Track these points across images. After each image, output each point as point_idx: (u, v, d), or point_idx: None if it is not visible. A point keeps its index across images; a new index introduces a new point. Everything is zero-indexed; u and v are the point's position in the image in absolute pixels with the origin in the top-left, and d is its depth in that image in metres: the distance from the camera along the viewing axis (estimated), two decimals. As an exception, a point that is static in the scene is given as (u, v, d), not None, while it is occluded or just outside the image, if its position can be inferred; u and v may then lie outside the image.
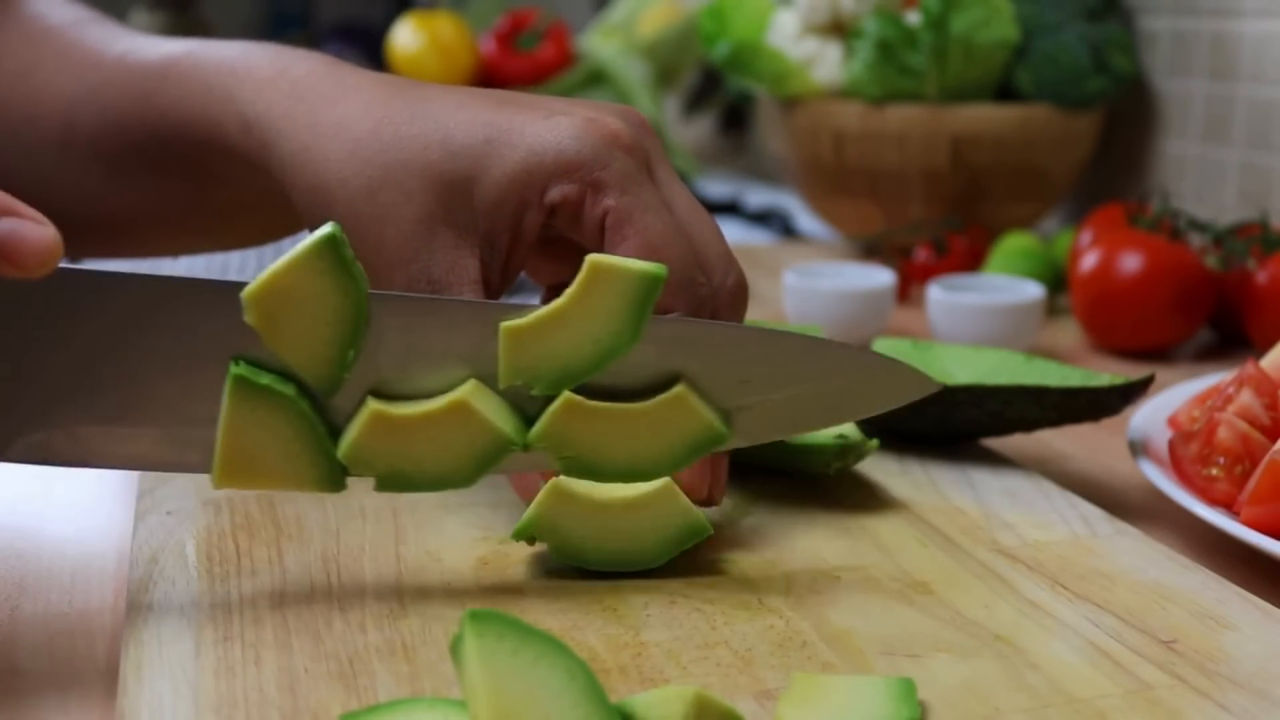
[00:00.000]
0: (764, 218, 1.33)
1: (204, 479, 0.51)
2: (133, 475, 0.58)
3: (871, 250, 1.09)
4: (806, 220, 1.33)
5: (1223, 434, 0.55)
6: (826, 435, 0.54)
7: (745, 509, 0.54)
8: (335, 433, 0.44)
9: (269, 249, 1.07)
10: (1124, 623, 0.44)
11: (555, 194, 0.48)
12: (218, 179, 0.57)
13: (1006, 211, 1.07)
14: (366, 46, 1.97)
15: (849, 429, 0.55)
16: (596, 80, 1.56)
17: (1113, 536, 0.51)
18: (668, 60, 1.62)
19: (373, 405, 0.44)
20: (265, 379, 0.43)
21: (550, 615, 0.44)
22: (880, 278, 0.87)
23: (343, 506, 0.53)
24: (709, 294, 0.49)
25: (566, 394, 0.44)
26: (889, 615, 0.45)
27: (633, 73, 1.54)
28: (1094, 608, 0.45)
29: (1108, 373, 0.59)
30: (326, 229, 0.42)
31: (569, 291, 0.44)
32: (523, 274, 0.54)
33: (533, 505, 0.47)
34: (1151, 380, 0.58)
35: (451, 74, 1.50)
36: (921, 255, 0.98)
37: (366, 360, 0.44)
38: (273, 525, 0.51)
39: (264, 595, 0.45)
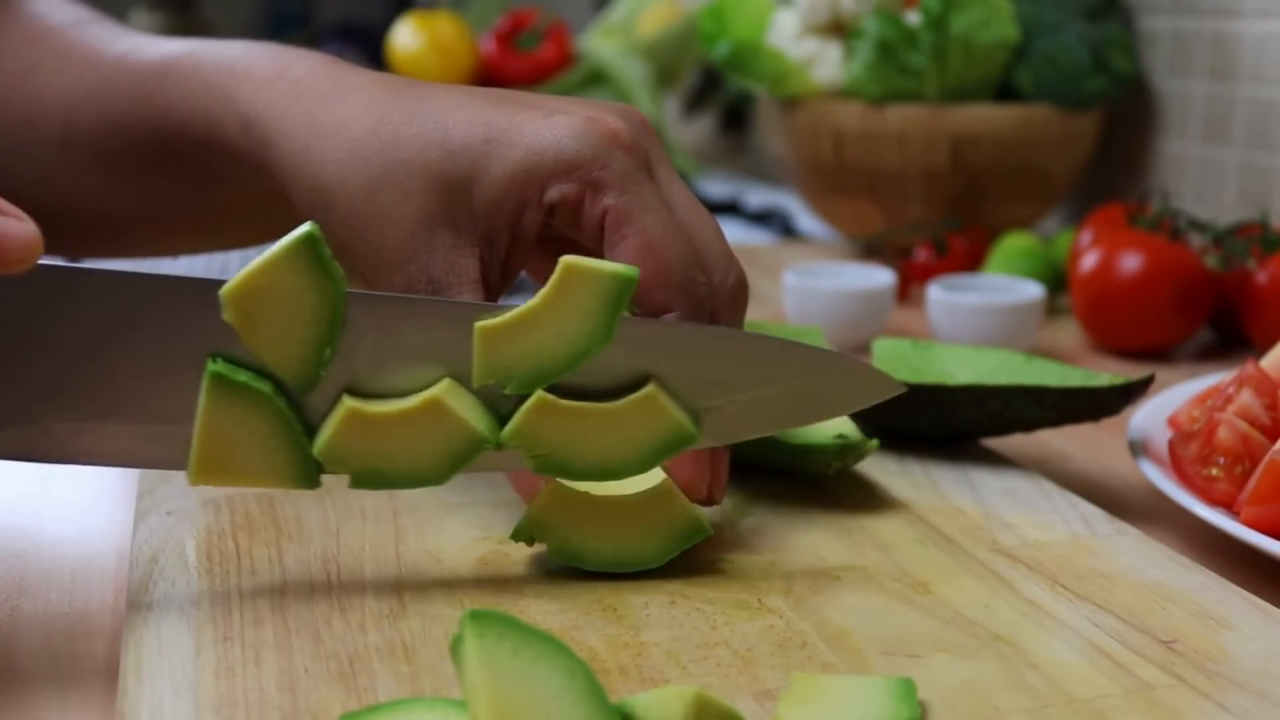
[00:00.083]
0: (764, 218, 1.33)
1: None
2: (133, 475, 0.58)
3: (871, 250, 1.09)
4: (806, 220, 1.32)
5: (1223, 434, 0.55)
6: (826, 435, 0.54)
7: (745, 509, 0.54)
8: (311, 430, 0.45)
9: (269, 249, 1.07)
10: (1124, 623, 0.44)
11: (554, 193, 0.48)
12: (218, 179, 0.57)
13: (1006, 211, 1.07)
14: (366, 46, 1.97)
15: (849, 429, 0.55)
16: (596, 80, 1.56)
17: (1113, 536, 0.51)
18: (668, 60, 1.62)
19: (348, 403, 0.44)
20: (242, 376, 0.43)
21: (550, 615, 0.44)
22: (880, 278, 0.87)
23: (343, 506, 0.53)
24: (709, 293, 0.49)
25: (539, 393, 0.45)
26: (889, 615, 0.45)
27: (633, 73, 1.54)
28: (1094, 608, 0.45)
29: (1108, 373, 0.59)
30: (304, 228, 0.43)
31: (542, 292, 0.44)
32: (523, 273, 0.54)
33: (531, 506, 0.47)
34: (1151, 380, 0.58)
35: (451, 74, 1.50)
36: (921, 255, 0.98)
37: (342, 358, 0.44)
38: (273, 525, 0.51)
39: (264, 595, 0.45)
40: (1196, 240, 0.91)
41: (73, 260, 0.99)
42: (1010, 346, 0.79)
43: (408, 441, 0.45)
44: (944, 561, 0.49)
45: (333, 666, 0.41)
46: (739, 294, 0.50)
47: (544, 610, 0.45)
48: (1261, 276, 0.83)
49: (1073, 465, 0.65)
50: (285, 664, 0.41)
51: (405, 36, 1.53)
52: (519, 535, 0.47)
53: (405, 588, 0.46)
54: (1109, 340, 0.85)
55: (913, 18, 1.03)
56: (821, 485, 0.56)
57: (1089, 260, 0.85)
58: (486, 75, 1.55)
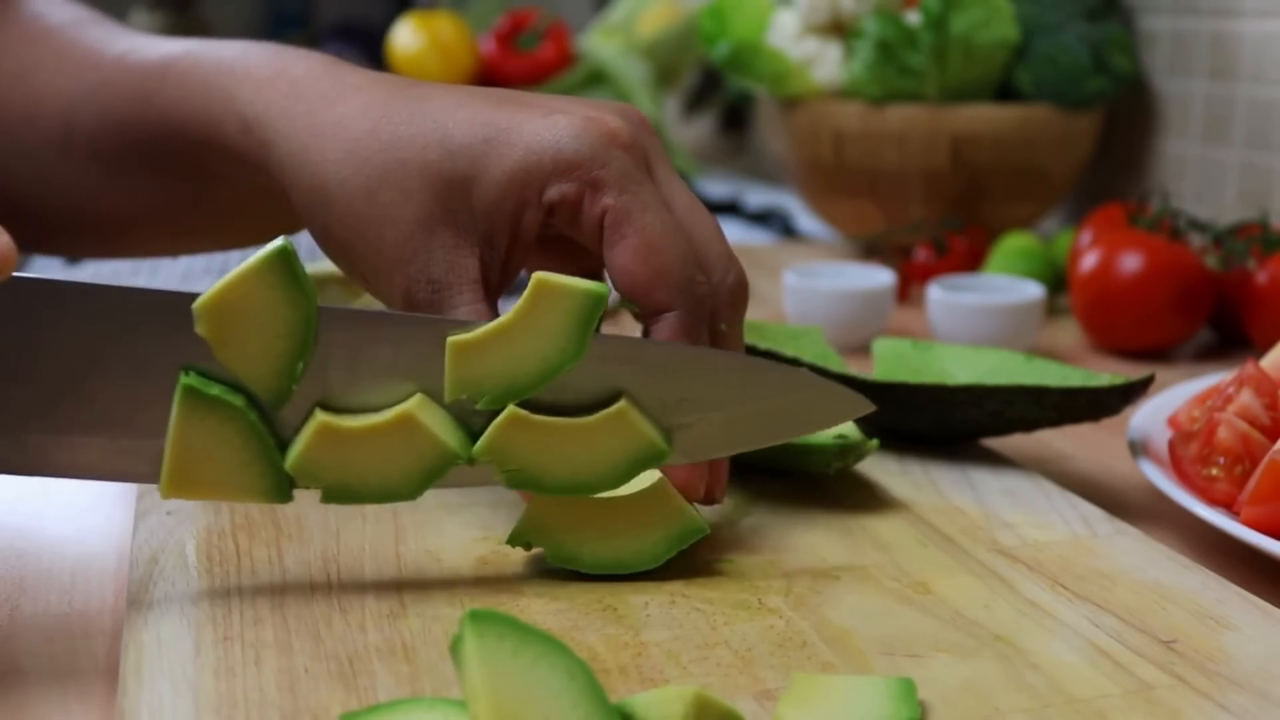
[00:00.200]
0: (764, 218, 1.33)
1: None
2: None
3: (871, 250, 1.09)
4: (806, 220, 1.32)
5: (1223, 434, 0.55)
6: (826, 435, 0.54)
7: (745, 509, 0.54)
8: (283, 444, 0.45)
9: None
10: (1124, 623, 0.44)
11: (554, 193, 0.48)
12: (217, 179, 0.57)
13: (1006, 211, 1.07)
14: (366, 46, 1.97)
15: (849, 429, 0.55)
16: (596, 80, 1.56)
17: (1113, 536, 0.51)
18: (668, 60, 1.62)
19: (320, 417, 0.44)
20: (215, 389, 0.44)
21: (550, 615, 0.44)
22: (880, 278, 0.87)
23: (342, 507, 0.53)
24: (709, 292, 0.49)
25: (511, 408, 0.45)
26: (889, 615, 0.45)
27: (633, 73, 1.54)
28: (1094, 608, 0.45)
29: (1108, 373, 0.59)
30: (277, 243, 0.43)
31: (515, 307, 0.44)
32: (523, 272, 0.54)
33: (526, 510, 0.47)
34: (1151, 380, 0.58)
35: (451, 74, 1.50)
36: (921, 255, 0.98)
37: (315, 373, 0.44)
38: (273, 525, 0.51)
39: (264, 595, 0.45)
40: (1196, 240, 0.91)
41: (73, 260, 0.99)
42: (1010, 346, 0.79)
43: (379, 456, 0.45)
44: (944, 561, 0.49)
45: (333, 666, 0.41)
46: (739, 293, 0.50)
47: (544, 610, 0.45)
48: (1261, 276, 0.83)
49: (1073, 465, 0.65)
50: (285, 664, 0.41)
51: (405, 36, 1.53)
52: (515, 540, 0.47)
53: (405, 588, 0.46)
54: (1109, 340, 0.85)
55: (913, 18, 1.03)
56: (821, 485, 0.56)
57: (1089, 260, 0.85)
58: (486, 75, 1.55)
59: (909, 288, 0.98)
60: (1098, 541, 0.51)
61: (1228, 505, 0.54)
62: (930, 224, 1.03)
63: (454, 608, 0.45)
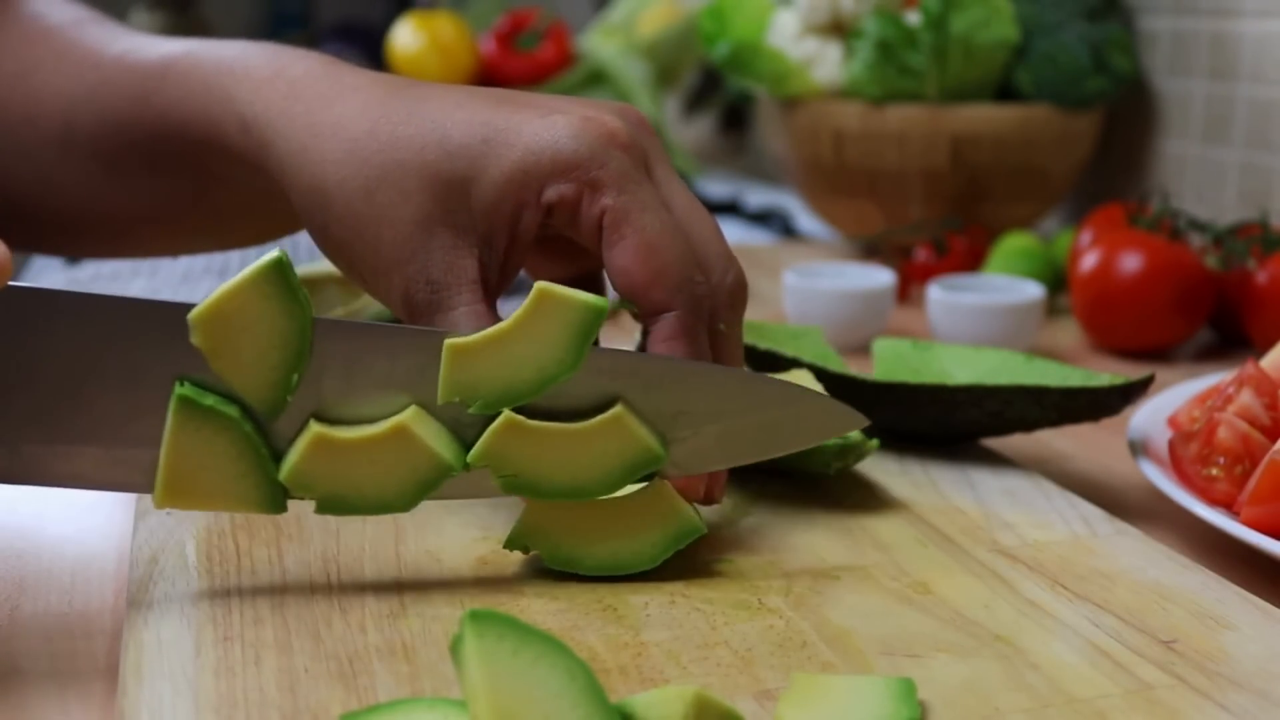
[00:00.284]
0: (764, 218, 1.33)
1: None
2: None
3: (871, 250, 1.09)
4: (806, 220, 1.32)
5: (1223, 434, 0.55)
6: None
7: (745, 509, 0.54)
8: (277, 455, 0.45)
9: (268, 249, 1.08)
10: (1124, 623, 0.44)
11: (552, 194, 0.48)
12: (217, 179, 0.57)
13: (1006, 211, 1.07)
14: (366, 46, 1.97)
15: (849, 429, 0.55)
16: (596, 80, 1.56)
17: (1113, 536, 0.51)
18: (668, 60, 1.62)
19: (315, 428, 0.44)
20: (209, 400, 0.44)
21: (550, 615, 0.44)
22: (880, 278, 0.87)
23: (342, 506, 0.53)
24: (707, 293, 0.48)
25: (507, 413, 0.45)
26: (889, 615, 0.45)
27: (633, 73, 1.54)
28: (1094, 608, 0.45)
29: (1108, 373, 0.59)
30: (273, 253, 0.43)
31: (514, 315, 0.45)
32: (522, 272, 0.54)
33: (522, 514, 0.47)
34: (1151, 380, 0.58)
35: (451, 74, 1.50)
36: (921, 255, 0.98)
37: (310, 384, 0.44)
38: (273, 525, 0.51)
39: (264, 595, 0.45)
40: (1196, 240, 0.91)
41: (73, 260, 0.99)
42: (1010, 346, 0.79)
43: (374, 467, 0.45)
44: (944, 561, 0.49)
45: (333, 666, 0.41)
46: (738, 293, 0.50)
47: (544, 610, 0.45)
48: (1261, 276, 0.83)
49: (1073, 465, 0.65)
50: (285, 664, 0.41)
51: (405, 36, 1.53)
52: (512, 544, 0.47)
53: (405, 588, 0.46)
54: (1109, 340, 0.85)
55: (913, 18, 1.03)
56: (821, 485, 0.56)
57: (1089, 260, 0.85)
58: (486, 75, 1.55)
59: (909, 288, 0.98)
60: (1098, 541, 0.51)
61: (1228, 505, 0.54)
62: (930, 224, 1.03)
63: (454, 608, 0.45)
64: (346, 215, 0.49)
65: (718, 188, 1.55)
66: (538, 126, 0.48)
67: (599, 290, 0.55)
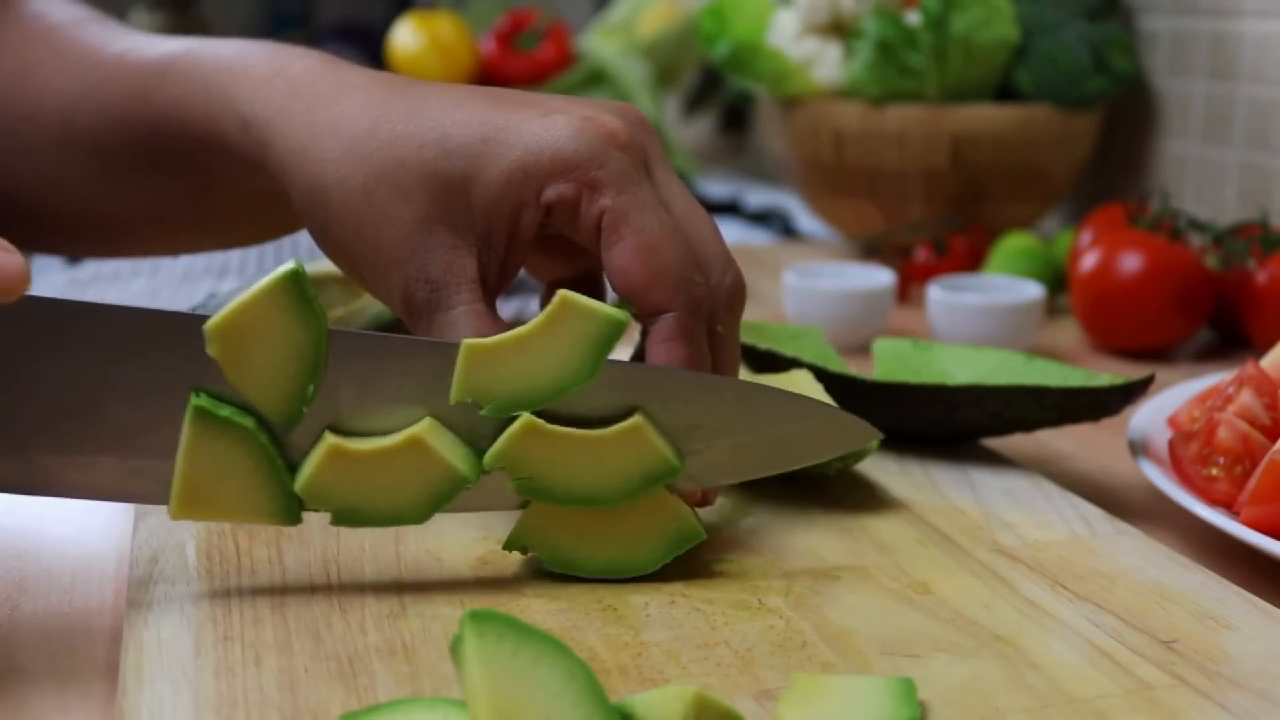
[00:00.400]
0: (764, 218, 1.33)
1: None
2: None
3: (871, 250, 1.09)
4: (806, 220, 1.32)
5: (1223, 434, 0.55)
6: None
7: (745, 509, 0.54)
8: (293, 467, 0.45)
9: (268, 248, 1.08)
10: (1124, 623, 0.44)
11: (551, 193, 0.48)
12: (216, 178, 0.57)
13: (1006, 211, 1.07)
14: (366, 46, 1.97)
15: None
16: (596, 80, 1.56)
17: (1113, 536, 0.51)
18: (668, 60, 1.62)
19: (330, 440, 0.44)
20: (225, 411, 0.44)
21: (550, 615, 0.44)
22: (880, 278, 0.87)
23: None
24: (706, 293, 0.48)
25: (527, 416, 0.45)
26: (889, 615, 0.45)
27: (633, 73, 1.54)
28: (1094, 608, 0.45)
29: (1108, 373, 0.59)
30: (289, 265, 0.43)
31: (535, 320, 0.44)
32: (522, 272, 0.54)
33: (522, 515, 0.47)
34: (1151, 380, 0.58)
35: (451, 74, 1.50)
36: (921, 255, 0.98)
37: (325, 395, 0.44)
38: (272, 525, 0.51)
39: (264, 595, 0.45)
40: (1196, 240, 0.91)
41: (73, 259, 0.99)
42: (1010, 346, 0.79)
43: (389, 479, 0.45)
44: (944, 561, 0.49)
45: (333, 666, 0.41)
46: (736, 294, 0.50)
47: (544, 610, 0.45)
48: (1261, 276, 0.83)
49: (1073, 465, 0.65)
50: (285, 664, 0.41)
51: (405, 36, 1.53)
52: (511, 545, 0.47)
53: (405, 588, 0.46)
54: (1109, 340, 0.85)
55: (913, 18, 1.03)
56: (821, 485, 0.56)
57: (1089, 260, 0.85)
58: (486, 75, 1.55)
59: (909, 288, 0.98)
60: (1098, 541, 0.51)
61: (1228, 505, 0.54)
62: (930, 224, 1.03)
63: (454, 608, 0.45)
64: (346, 214, 0.49)
65: (718, 188, 1.55)
66: (537, 126, 0.48)
67: (598, 290, 0.55)
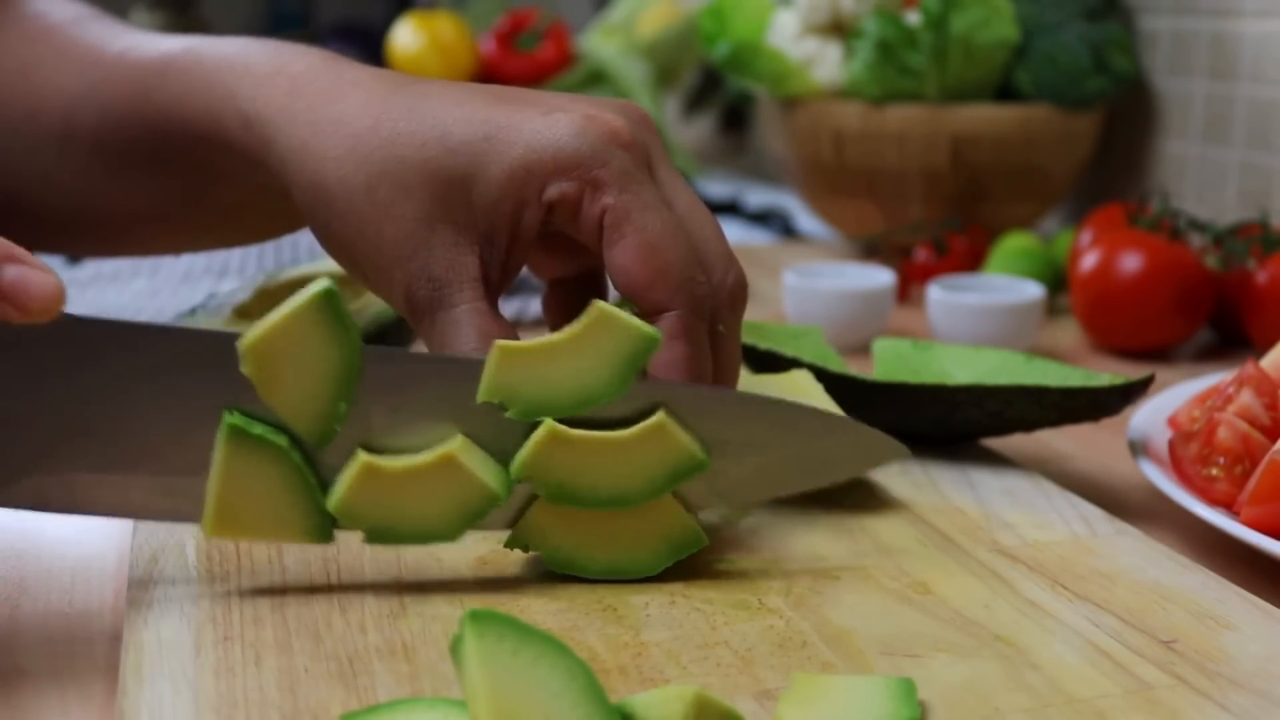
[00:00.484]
0: (764, 218, 1.33)
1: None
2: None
3: (871, 250, 1.09)
4: (806, 220, 1.32)
5: (1223, 434, 0.55)
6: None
7: (745, 509, 0.54)
8: (325, 485, 0.45)
9: (268, 248, 1.08)
10: (1124, 623, 0.44)
11: (553, 192, 0.48)
12: (218, 176, 0.57)
13: (1006, 211, 1.07)
14: (366, 46, 1.97)
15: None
16: (596, 80, 1.56)
17: (1113, 536, 0.51)
18: (668, 60, 1.62)
19: (363, 458, 0.44)
20: (258, 429, 0.44)
21: (550, 615, 0.44)
22: (880, 278, 0.87)
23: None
24: (708, 292, 0.48)
25: (549, 423, 0.45)
26: (889, 615, 0.45)
27: (633, 73, 1.54)
28: (1094, 608, 0.45)
29: (1108, 373, 0.59)
30: (323, 283, 0.43)
31: (569, 329, 0.44)
32: (524, 270, 0.54)
33: (523, 515, 0.47)
34: (1151, 380, 0.58)
35: (452, 74, 1.50)
36: (921, 255, 0.98)
37: (358, 414, 0.44)
38: (272, 525, 0.51)
39: (264, 595, 0.45)
40: (1196, 240, 0.91)
41: (74, 259, 0.99)
42: (1010, 346, 0.79)
43: (421, 497, 0.45)
44: (944, 561, 0.49)
45: (333, 666, 0.41)
46: (738, 293, 0.50)
47: (544, 610, 0.45)
48: (1261, 276, 0.83)
49: (1073, 465, 0.65)
50: (285, 664, 0.41)
51: (405, 36, 1.53)
52: (513, 544, 0.47)
53: (405, 588, 0.46)
54: (1109, 340, 0.85)
55: (913, 18, 1.03)
56: (821, 485, 0.56)
57: (1089, 260, 0.85)
58: (486, 75, 1.55)
59: (909, 288, 0.98)
60: (1098, 541, 0.51)
61: (1228, 505, 0.54)
62: (930, 224, 1.03)
63: (454, 608, 0.45)
64: (348, 212, 0.49)
65: (718, 188, 1.55)
66: (540, 124, 0.48)
67: (600, 289, 0.55)
